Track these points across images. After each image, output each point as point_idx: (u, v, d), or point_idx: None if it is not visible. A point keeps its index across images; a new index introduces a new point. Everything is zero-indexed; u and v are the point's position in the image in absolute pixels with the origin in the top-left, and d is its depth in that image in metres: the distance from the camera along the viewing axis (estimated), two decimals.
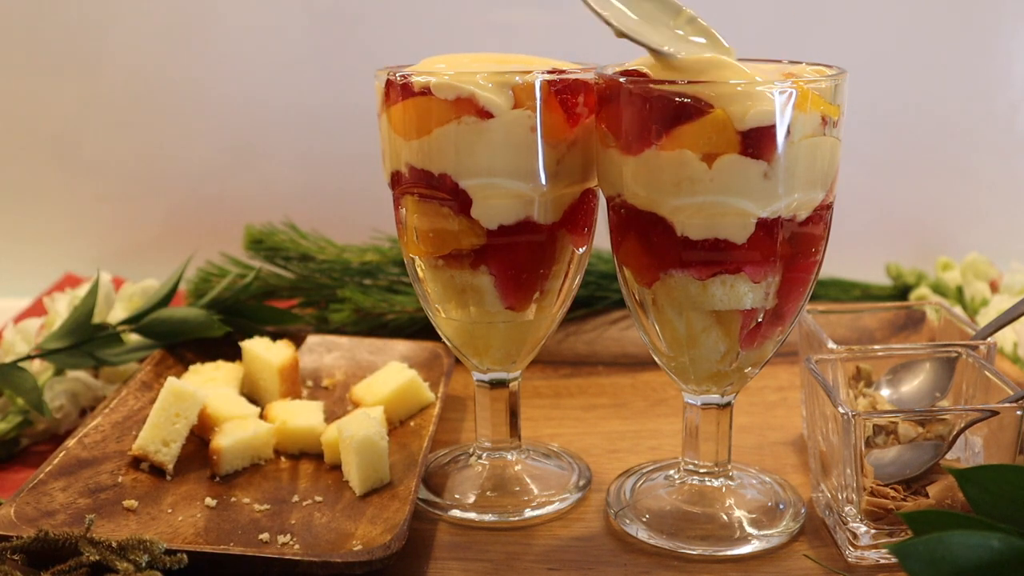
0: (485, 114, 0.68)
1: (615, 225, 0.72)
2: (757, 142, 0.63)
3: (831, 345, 0.80)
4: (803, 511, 0.76)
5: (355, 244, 1.16)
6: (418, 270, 0.76)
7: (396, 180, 0.74)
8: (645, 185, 0.66)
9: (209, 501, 0.75)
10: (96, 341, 0.93)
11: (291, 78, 1.32)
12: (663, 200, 0.66)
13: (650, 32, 0.66)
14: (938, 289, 1.21)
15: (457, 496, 0.79)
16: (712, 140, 0.63)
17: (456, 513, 0.77)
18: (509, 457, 0.83)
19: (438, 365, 0.97)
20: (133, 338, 0.97)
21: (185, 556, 0.64)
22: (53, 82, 1.31)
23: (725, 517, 0.75)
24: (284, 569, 0.65)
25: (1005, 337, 1.03)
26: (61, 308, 1.03)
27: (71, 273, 1.31)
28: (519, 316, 0.76)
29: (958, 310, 1.14)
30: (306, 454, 0.84)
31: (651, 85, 0.64)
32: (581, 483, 0.81)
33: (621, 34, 0.66)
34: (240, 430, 0.81)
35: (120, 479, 0.77)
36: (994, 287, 1.20)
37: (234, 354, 0.95)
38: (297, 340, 1.01)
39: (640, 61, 0.70)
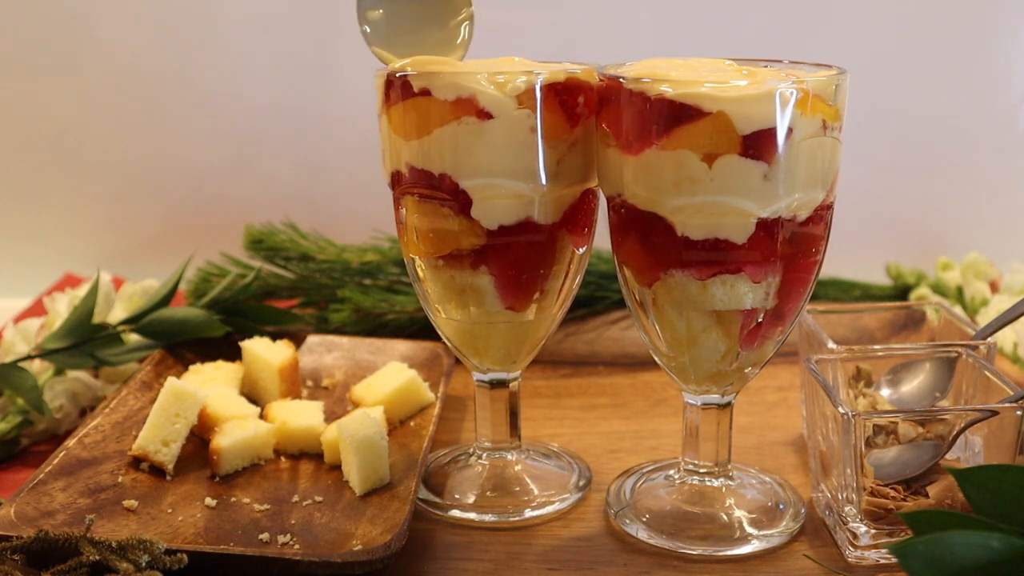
0: (485, 114, 0.68)
1: (615, 225, 0.72)
2: (758, 143, 0.63)
3: (831, 345, 0.80)
4: (803, 511, 0.76)
5: (355, 244, 1.16)
6: (418, 270, 0.76)
7: (396, 180, 0.74)
8: (645, 185, 0.66)
9: (209, 501, 0.75)
10: (96, 341, 0.93)
11: (292, 78, 1.32)
12: (663, 200, 0.66)
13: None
14: (938, 289, 1.21)
15: (457, 496, 0.79)
16: (712, 141, 0.63)
17: (456, 513, 0.77)
18: (509, 457, 0.83)
19: (438, 365, 0.97)
20: (133, 338, 0.97)
21: (185, 556, 0.64)
22: (53, 82, 1.31)
23: (725, 517, 0.75)
24: (284, 569, 0.65)
25: (1005, 337, 1.03)
26: (61, 308, 1.03)
27: (71, 273, 1.31)
28: (519, 316, 0.76)
29: (958, 310, 1.14)
30: (306, 454, 0.84)
31: (652, 86, 0.64)
32: (581, 483, 0.81)
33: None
34: (240, 430, 0.81)
35: (120, 479, 0.77)
36: (994, 287, 1.20)
37: (234, 354, 0.95)
38: (297, 340, 1.01)
39: (643, 63, 0.70)
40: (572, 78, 0.70)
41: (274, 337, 0.96)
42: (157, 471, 0.79)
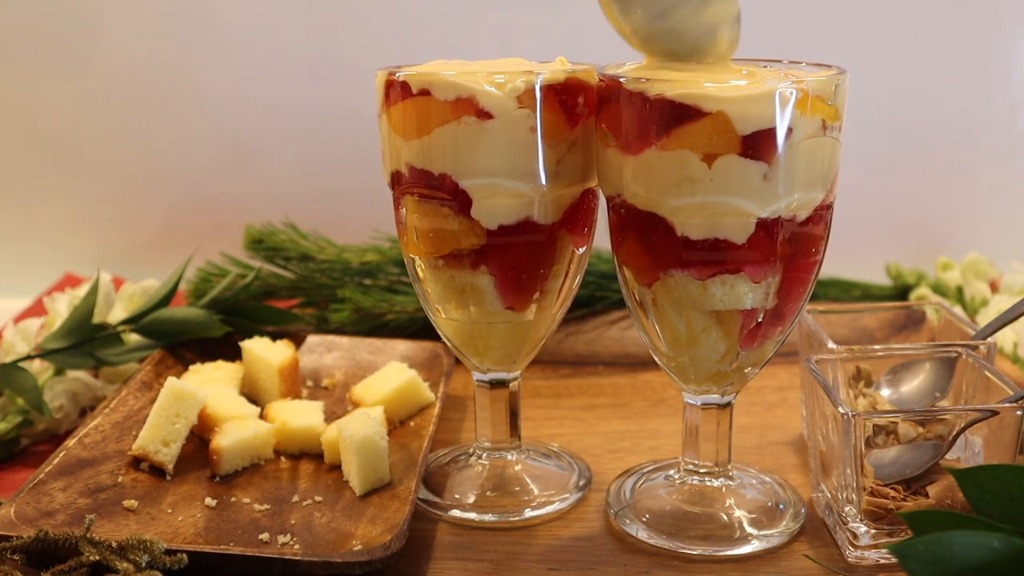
0: (485, 114, 0.68)
1: (615, 225, 0.72)
2: (757, 143, 0.63)
3: (831, 345, 0.80)
4: (803, 511, 0.76)
5: (355, 244, 1.16)
6: (418, 270, 0.76)
7: (396, 180, 0.74)
8: (645, 185, 0.66)
9: (209, 501, 0.75)
10: (96, 341, 0.93)
11: (291, 78, 1.32)
12: (663, 200, 0.66)
13: None
14: (938, 289, 1.21)
15: (457, 496, 0.79)
16: (712, 141, 0.63)
17: (456, 513, 0.77)
18: (509, 457, 0.83)
19: (438, 365, 0.97)
20: (133, 338, 0.97)
21: (185, 556, 0.64)
22: (53, 82, 1.31)
23: (725, 517, 0.75)
24: (284, 569, 0.65)
25: (1005, 337, 1.03)
26: (61, 308, 1.03)
27: (71, 273, 1.31)
28: (519, 316, 0.76)
29: (958, 310, 1.14)
30: (306, 454, 0.84)
31: (652, 86, 0.64)
32: (581, 483, 0.81)
33: None
34: (240, 430, 0.81)
35: (120, 479, 0.77)
36: (994, 287, 1.20)
37: (234, 354, 0.95)
38: (297, 340, 1.01)
39: (641, 63, 0.70)
40: (572, 78, 0.70)
41: (274, 337, 0.96)
42: (157, 471, 0.79)
